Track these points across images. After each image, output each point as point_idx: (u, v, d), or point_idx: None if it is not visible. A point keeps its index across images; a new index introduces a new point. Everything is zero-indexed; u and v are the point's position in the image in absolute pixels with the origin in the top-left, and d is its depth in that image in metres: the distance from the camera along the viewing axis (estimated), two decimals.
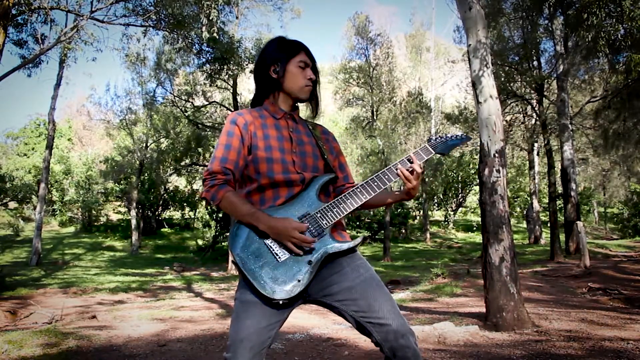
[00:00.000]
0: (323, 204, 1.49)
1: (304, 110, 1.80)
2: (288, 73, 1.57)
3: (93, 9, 9.56)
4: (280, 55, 1.57)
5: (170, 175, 22.23)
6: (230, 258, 14.14)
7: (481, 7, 4.48)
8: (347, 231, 1.61)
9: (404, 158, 1.58)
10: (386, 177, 1.55)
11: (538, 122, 14.43)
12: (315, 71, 1.62)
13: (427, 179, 20.95)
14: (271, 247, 1.43)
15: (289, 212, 1.47)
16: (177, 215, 26.16)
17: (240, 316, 1.43)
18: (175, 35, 11.01)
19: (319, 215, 1.47)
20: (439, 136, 1.66)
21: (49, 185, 22.65)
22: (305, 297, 1.50)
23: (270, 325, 1.43)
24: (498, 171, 4.22)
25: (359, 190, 1.52)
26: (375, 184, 1.54)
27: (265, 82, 1.61)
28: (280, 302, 1.38)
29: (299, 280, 1.40)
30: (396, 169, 1.55)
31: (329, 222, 1.47)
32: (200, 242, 19.33)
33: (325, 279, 1.47)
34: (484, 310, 4.33)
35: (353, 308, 1.45)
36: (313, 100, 1.66)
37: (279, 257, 1.42)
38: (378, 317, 1.42)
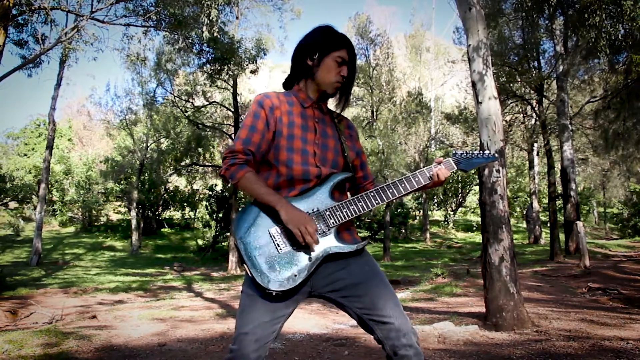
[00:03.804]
0: (334, 202, 1.49)
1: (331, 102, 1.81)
2: (323, 65, 1.55)
3: (93, 9, 9.55)
4: (322, 45, 1.55)
5: (171, 175, 22.24)
6: (231, 258, 14.13)
7: (481, 7, 4.48)
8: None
9: (425, 169, 1.57)
10: (402, 185, 1.54)
11: (538, 122, 14.42)
12: (353, 69, 1.60)
13: None
14: (274, 237, 1.42)
15: (300, 205, 1.46)
16: (177, 215, 26.16)
17: (245, 309, 1.44)
18: (176, 36, 11.01)
19: (327, 213, 1.47)
20: (465, 152, 1.62)
21: (49, 185, 22.62)
22: (311, 292, 1.50)
23: (275, 319, 1.43)
24: (498, 171, 4.23)
25: (372, 194, 1.52)
26: (390, 191, 1.53)
27: (299, 67, 1.61)
28: (273, 292, 1.37)
29: (295, 275, 1.39)
30: (415, 179, 1.55)
31: (336, 222, 1.47)
32: (200, 242, 19.34)
33: (331, 275, 1.48)
34: (484, 310, 4.34)
35: (357, 305, 1.46)
36: (343, 96, 1.65)
37: (280, 248, 1.42)
38: (381, 315, 1.42)
